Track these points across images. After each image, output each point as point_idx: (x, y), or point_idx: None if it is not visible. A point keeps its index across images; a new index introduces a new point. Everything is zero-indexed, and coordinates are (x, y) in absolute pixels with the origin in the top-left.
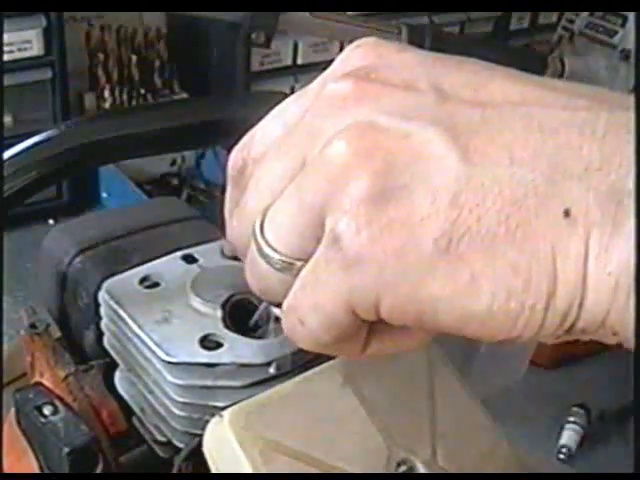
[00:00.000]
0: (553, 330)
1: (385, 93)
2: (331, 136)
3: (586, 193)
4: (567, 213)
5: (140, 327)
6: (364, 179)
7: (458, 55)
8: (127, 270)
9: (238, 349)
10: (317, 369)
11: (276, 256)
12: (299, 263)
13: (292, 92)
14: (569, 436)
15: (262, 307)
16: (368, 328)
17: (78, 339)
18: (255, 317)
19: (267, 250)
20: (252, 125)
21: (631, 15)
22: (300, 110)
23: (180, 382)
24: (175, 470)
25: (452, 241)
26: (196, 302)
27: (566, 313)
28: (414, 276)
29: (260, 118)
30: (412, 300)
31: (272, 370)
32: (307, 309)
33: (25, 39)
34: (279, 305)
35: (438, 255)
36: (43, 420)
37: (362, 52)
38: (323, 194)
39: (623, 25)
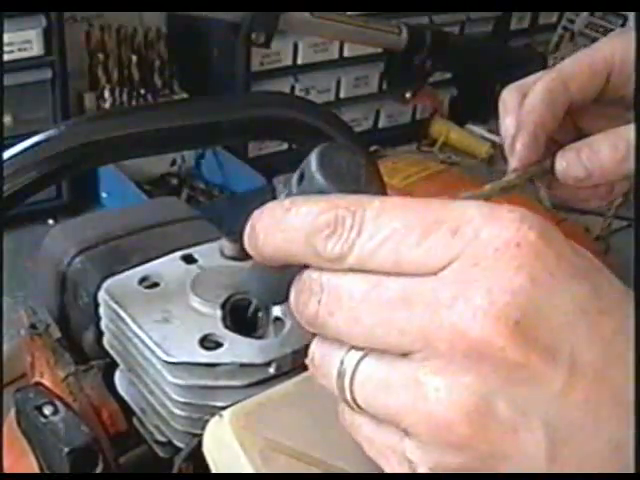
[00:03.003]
0: None
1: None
2: (441, 396)
3: None
4: None
5: (140, 327)
6: (456, 459)
7: (458, 54)
8: (127, 270)
9: (238, 349)
10: None
11: None
12: None
13: (292, 92)
14: None
15: (263, 307)
16: None
17: (78, 339)
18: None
19: None
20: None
21: (631, 15)
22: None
23: (180, 382)
24: (175, 470)
25: None
26: (196, 302)
27: None
28: None
29: (260, 118)
30: None
31: (272, 370)
32: None
33: (25, 39)
34: None
35: None
36: (43, 420)
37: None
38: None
39: (623, 25)
